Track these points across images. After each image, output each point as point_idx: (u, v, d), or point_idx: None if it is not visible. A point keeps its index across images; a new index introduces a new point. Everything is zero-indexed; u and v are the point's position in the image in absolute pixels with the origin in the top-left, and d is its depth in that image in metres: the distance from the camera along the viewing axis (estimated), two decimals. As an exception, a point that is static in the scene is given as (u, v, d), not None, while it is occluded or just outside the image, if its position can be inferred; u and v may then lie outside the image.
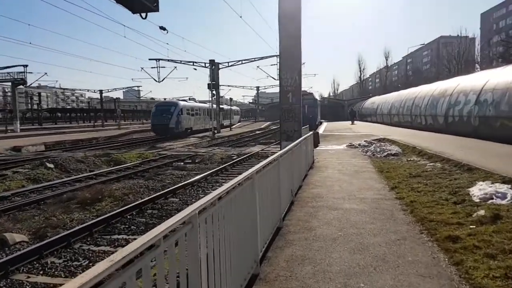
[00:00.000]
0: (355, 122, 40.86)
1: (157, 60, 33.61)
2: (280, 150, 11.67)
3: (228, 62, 34.39)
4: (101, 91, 53.32)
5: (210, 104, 34.62)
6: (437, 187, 7.29)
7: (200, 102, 41.27)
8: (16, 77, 36.77)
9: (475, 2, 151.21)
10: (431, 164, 10.08)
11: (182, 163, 16.00)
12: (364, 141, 18.06)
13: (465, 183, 7.36)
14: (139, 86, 60.28)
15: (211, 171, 13.15)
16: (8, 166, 14.58)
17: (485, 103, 15.56)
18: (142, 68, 37.76)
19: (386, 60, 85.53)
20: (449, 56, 47.79)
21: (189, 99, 45.91)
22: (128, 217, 7.80)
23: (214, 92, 32.54)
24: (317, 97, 45.63)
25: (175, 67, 36.06)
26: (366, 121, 45.13)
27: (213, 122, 33.06)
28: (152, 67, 34.95)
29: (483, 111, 15.70)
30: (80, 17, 56.09)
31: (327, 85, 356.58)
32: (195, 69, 34.97)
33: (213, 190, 10.82)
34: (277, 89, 11.96)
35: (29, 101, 63.00)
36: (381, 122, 37.56)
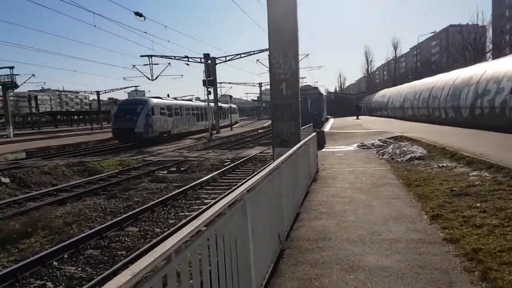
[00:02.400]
0: (360, 117, 39.32)
1: (149, 56, 31.16)
2: (273, 159, 9.26)
3: (225, 57, 31.89)
4: (98, 93, 51.33)
5: (205, 102, 32.27)
6: (504, 217, 4.82)
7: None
8: (5, 80, 34.56)
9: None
10: (476, 173, 7.56)
11: (165, 172, 13.71)
12: (378, 139, 15.57)
13: (547, 210, 4.89)
14: (137, 86, 57.69)
15: (195, 182, 10.85)
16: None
17: (525, 91, 12.91)
18: (134, 66, 35.17)
19: (395, 50, 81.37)
20: (464, 43, 44.53)
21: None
22: (54, 263, 5.50)
23: (210, 89, 30.12)
24: (323, 91, 42.82)
25: (169, 63, 33.56)
26: (376, 115, 42.42)
27: (209, 122, 30.76)
28: (144, 64, 32.63)
29: (522, 101, 13.06)
30: (46, 8, 53.53)
31: (333, 80, 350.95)
32: (188, 64, 32.41)
33: (188, 212, 8.56)
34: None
35: (30, 104, 61.73)
36: (392, 117, 34.84)
